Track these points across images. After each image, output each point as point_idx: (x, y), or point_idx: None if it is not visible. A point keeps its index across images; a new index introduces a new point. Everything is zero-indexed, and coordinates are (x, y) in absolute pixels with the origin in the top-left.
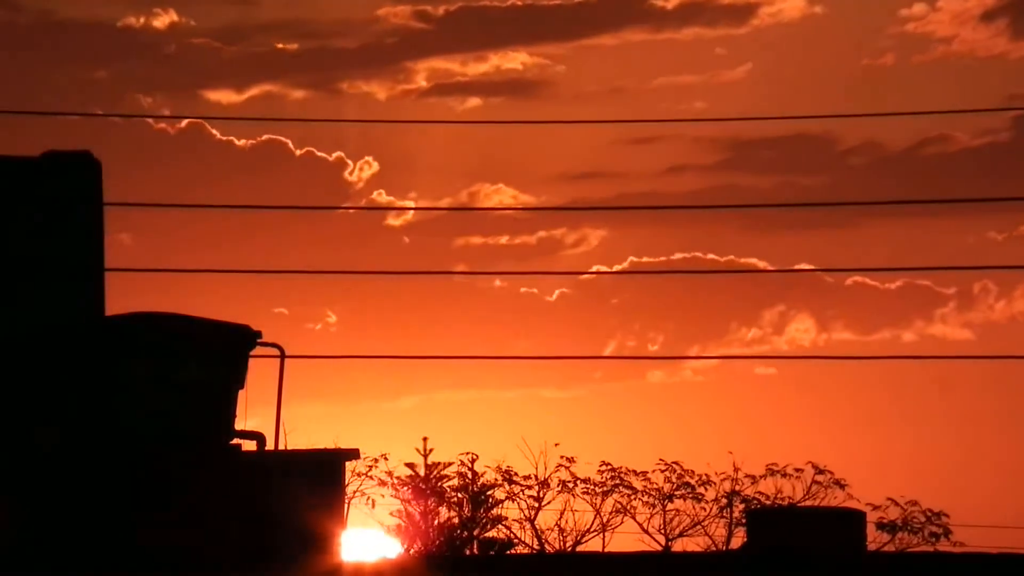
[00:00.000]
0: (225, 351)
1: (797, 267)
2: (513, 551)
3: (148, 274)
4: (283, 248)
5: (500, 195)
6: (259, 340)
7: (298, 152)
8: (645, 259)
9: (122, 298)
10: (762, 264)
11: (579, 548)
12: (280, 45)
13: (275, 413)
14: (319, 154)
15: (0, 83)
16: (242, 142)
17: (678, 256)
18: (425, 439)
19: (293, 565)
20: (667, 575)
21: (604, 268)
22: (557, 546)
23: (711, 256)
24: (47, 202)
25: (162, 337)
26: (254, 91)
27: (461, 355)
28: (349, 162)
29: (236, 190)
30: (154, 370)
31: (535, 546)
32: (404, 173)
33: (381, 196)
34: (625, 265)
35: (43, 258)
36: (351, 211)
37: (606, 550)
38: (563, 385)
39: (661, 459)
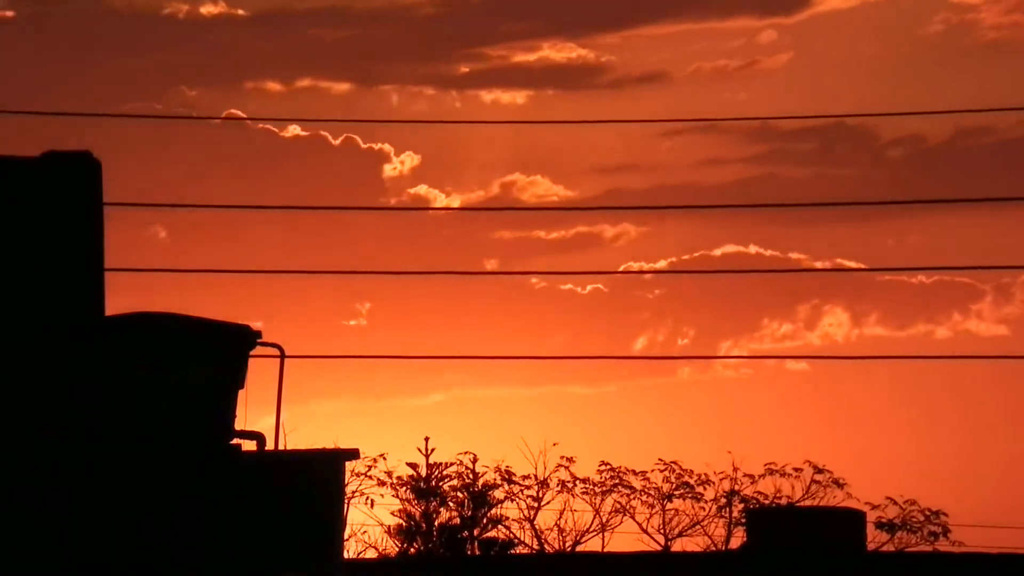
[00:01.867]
0: (225, 351)
1: (836, 263)
2: (513, 551)
3: (153, 274)
4: (318, 244)
5: (537, 187)
6: (259, 340)
7: (337, 143)
8: (684, 257)
9: (124, 298)
10: (801, 258)
11: (578, 548)
12: (320, 33)
13: (277, 413)
14: (361, 145)
15: (46, 72)
16: (288, 133)
17: (717, 252)
18: (427, 439)
19: (293, 565)
20: (666, 575)
21: (641, 262)
22: (557, 546)
23: (753, 249)
24: (47, 202)
25: (162, 337)
26: (300, 82)
27: (463, 355)
28: (391, 154)
29: (276, 183)
30: (154, 370)
31: (535, 546)
32: (442, 165)
33: (421, 189)
34: (664, 264)
35: (43, 258)
36: (377, 208)
37: (605, 550)
38: (591, 382)
39: (660, 459)
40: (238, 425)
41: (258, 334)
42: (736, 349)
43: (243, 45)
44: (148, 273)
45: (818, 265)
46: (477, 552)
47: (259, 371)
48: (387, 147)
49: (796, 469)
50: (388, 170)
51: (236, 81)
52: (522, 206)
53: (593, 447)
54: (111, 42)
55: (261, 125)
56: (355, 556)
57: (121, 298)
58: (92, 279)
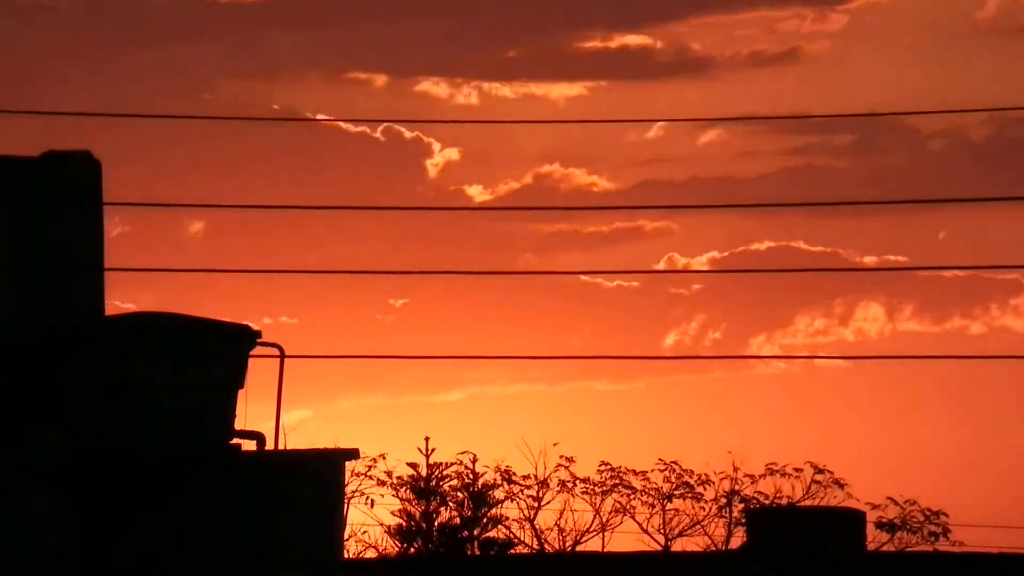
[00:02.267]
0: (225, 351)
1: (883, 260)
2: (513, 551)
3: (167, 274)
4: (348, 240)
5: (573, 179)
6: (259, 340)
7: (376, 137)
8: (723, 254)
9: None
10: (840, 252)
11: (578, 548)
12: (361, 23)
13: (277, 413)
14: (402, 138)
15: (88, 62)
16: (323, 127)
17: (754, 247)
18: (427, 439)
19: (293, 565)
20: (666, 575)
21: (675, 254)
22: (557, 546)
23: (797, 244)
24: (47, 202)
25: (162, 337)
26: (343, 75)
27: (466, 355)
28: (430, 147)
29: (312, 178)
30: (154, 370)
31: (535, 546)
32: (480, 158)
33: (457, 183)
34: (704, 260)
35: (42, 258)
36: (382, 208)
37: (606, 550)
38: (619, 378)
39: (660, 459)
40: (238, 425)
41: (258, 334)
42: (768, 346)
43: (279, 36)
44: (164, 273)
45: (862, 260)
46: (477, 552)
47: (260, 371)
48: (426, 140)
49: (796, 469)
50: (424, 164)
51: (274, 73)
52: (558, 198)
53: (613, 444)
54: (144, 34)
55: (290, 121)
56: (355, 556)
57: (126, 297)
58: (93, 279)
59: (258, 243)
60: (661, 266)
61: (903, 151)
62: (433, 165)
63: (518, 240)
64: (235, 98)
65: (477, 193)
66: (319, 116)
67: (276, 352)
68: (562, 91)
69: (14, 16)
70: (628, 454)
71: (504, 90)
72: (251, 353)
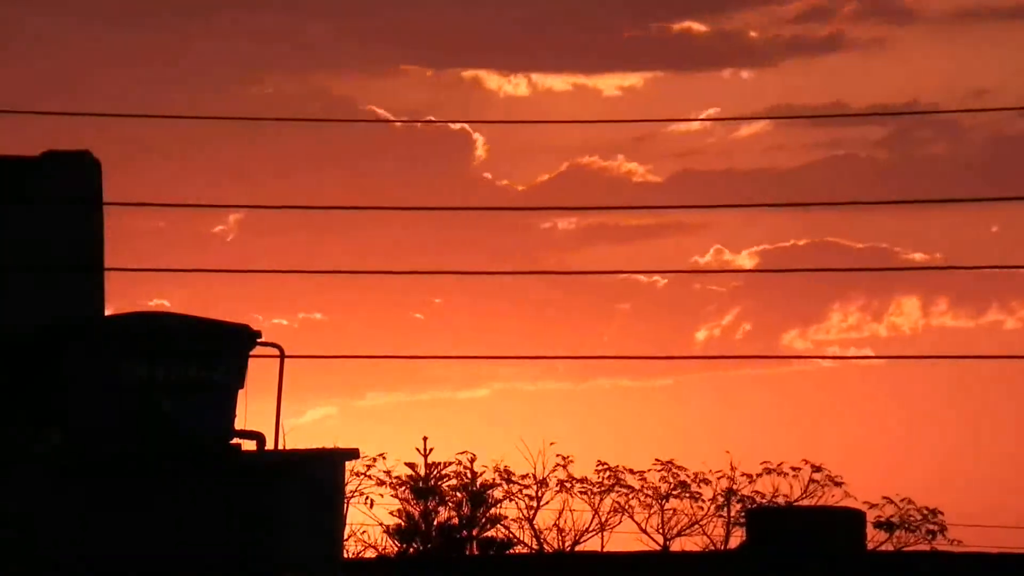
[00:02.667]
0: (225, 351)
1: (937, 257)
2: (512, 551)
3: (178, 274)
4: (378, 238)
5: (612, 170)
6: (259, 340)
7: (417, 131)
8: (763, 246)
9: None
10: (877, 247)
11: (577, 548)
12: (410, 14)
13: (277, 413)
14: (443, 132)
15: (110, 57)
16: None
17: (795, 241)
18: (425, 439)
19: (293, 566)
20: (666, 574)
21: (725, 249)
22: (556, 546)
23: (842, 240)
24: (47, 202)
25: (162, 337)
26: (393, 66)
27: (470, 355)
28: (469, 141)
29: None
30: (153, 370)
31: (534, 546)
32: (519, 149)
33: (489, 174)
34: (746, 256)
35: (42, 258)
36: (390, 208)
37: (604, 550)
38: (646, 376)
39: (657, 459)
40: (238, 425)
41: (258, 334)
42: (800, 342)
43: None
44: (169, 273)
45: (905, 255)
46: (476, 552)
47: (260, 371)
48: (470, 133)
49: (794, 468)
50: (463, 156)
51: (313, 64)
52: (595, 189)
53: (636, 442)
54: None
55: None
56: (354, 556)
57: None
58: (92, 279)
59: (290, 241)
60: (703, 260)
61: (946, 142)
62: (472, 158)
63: (553, 234)
64: (278, 89)
65: (511, 184)
66: (364, 108)
67: (276, 352)
68: (612, 82)
69: (15, 14)
70: (651, 452)
71: (554, 81)
72: (251, 353)
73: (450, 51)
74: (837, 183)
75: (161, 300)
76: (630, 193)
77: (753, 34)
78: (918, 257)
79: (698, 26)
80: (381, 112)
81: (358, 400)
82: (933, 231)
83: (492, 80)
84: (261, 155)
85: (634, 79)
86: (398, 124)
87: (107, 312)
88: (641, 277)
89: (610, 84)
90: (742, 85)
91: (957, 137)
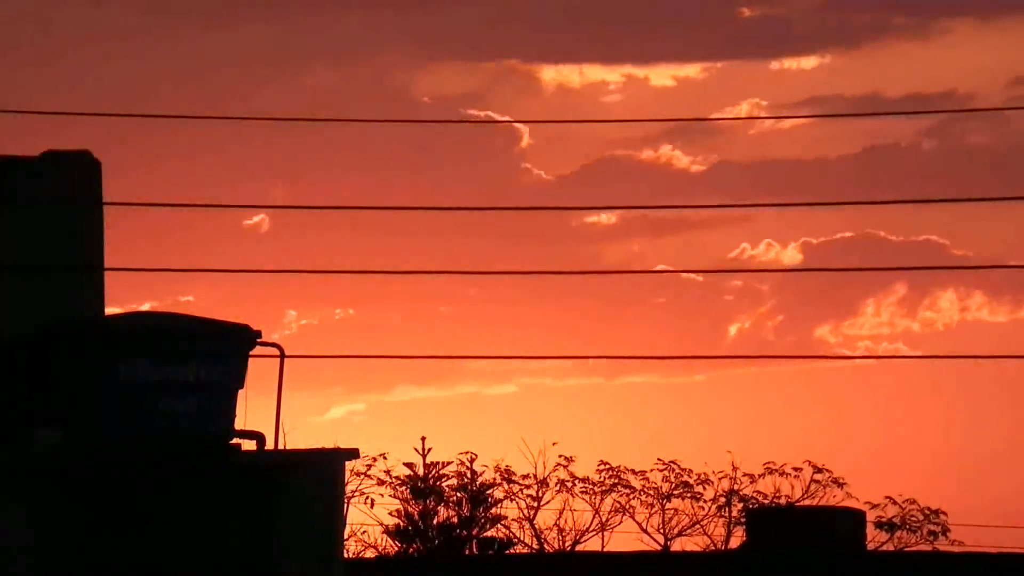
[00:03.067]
0: (225, 351)
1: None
2: (512, 550)
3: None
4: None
5: (651, 162)
6: (259, 340)
7: (467, 125)
8: (805, 240)
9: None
10: (936, 239)
11: (578, 548)
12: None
13: (277, 413)
14: (491, 124)
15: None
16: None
17: (840, 235)
18: (423, 439)
19: (293, 566)
20: (666, 574)
21: (745, 244)
22: (556, 545)
23: (884, 233)
24: (46, 202)
25: (162, 337)
26: (438, 59)
27: (475, 355)
28: (515, 134)
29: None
30: (153, 370)
31: (534, 546)
32: (558, 137)
33: (529, 165)
34: (796, 247)
35: (42, 258)
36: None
37: (605, 549)
38: (678, 372)
39: (659, 459)
40: (238, 425)
41: (258, 334)
42: (831, 336)
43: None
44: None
45: (952, 250)
46: (476, 551)
47: (262, 371)
48: (514, 127)
49: (796, 468)
50: (506, 151)
51: (355, 56)
52: (634, 180)
53: (666, 439)
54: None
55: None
56: (354, 556)
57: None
58: (93, 279)
59: (320, 239)
60: (742, 254)
61: (989, 133)
62: (515, 149)
63: (594, 226)
64: (337, 85)
65: (550, 175)
66: (412, 97)
67: (276, 352)
68: (665, 72)
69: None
70: (678, 449)
71: (603, 72)
72: (251, 353)
73: (493, 41)
74: (880, 174)
75: (187, 297)
76: (672, 185)
77: (796, 22)
78: (960, 253)
79: (748, 11)
80: (425, 100)
81: (386, 396)
82: (979, 224)
83: (538, 71)
84: (301, 151)
85: (686, 69)
86: (432, 122)
87: (107, 312)
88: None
89: (659, 74)
90: (785, 75)
91: (1000, 127)
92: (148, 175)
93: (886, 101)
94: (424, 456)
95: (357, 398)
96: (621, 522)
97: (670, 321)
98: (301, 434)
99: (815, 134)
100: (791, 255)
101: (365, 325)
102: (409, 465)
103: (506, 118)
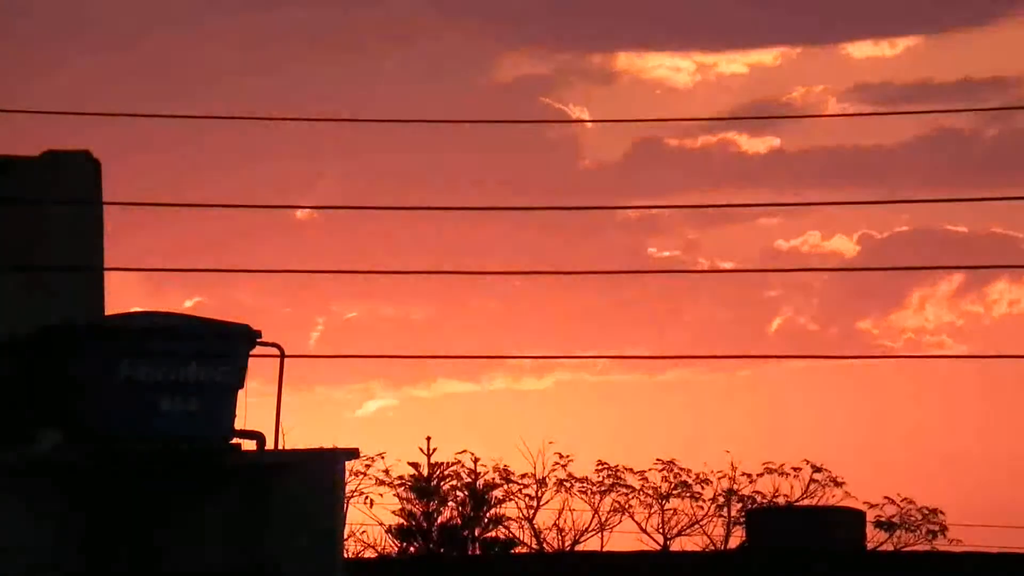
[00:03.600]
0: (225, 351)
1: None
2: (513, 550)
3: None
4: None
5: (720, 146)
6: (259, 340)
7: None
8: (861, 232)
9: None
10: (998, 230)
11: (577, 547)
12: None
13: (277, 413)
14: (562, 116)
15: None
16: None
17: (899, 229)
18: (428, 439)
19: (293, 565)
20: (666, 574)
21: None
22: (556, 545)
23: (939, 224)
24: (46, 202)
25: (162, 337)
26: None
27: (477, 354)
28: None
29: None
30: (153, 370)
31: (534, 545)
32: (616, 127)
33: (584, 158)
34: (854, 239)
35: (42, 258)
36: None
37: (604, 549)
38: (719, 367)
39: (658, 459)
40: (238, 425)
41: (258, 334)
42: (875, 332)
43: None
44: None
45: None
46: (478, 551)
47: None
48: (578, 114)
49: (795, 468)
50: (553, 141)
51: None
52: (666, 166)
53: (699, 434)
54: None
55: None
56: (354, 556)
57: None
58: (91, 279)
59: (357, 236)
60: (797, 245)
61: None
62: (572, 139)
63: (631, 217)
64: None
65: (604, 165)
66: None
67: (276, 352)
68: (737, 59)
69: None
70: (720, 443)
71: (673, 60)
72: (251, 353)
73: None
74: (939, 161)
75: (199, 298)
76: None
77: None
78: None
79: None
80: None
81: (421, 390)
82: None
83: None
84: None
85: (755, 56)
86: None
87: (107, 312)
88: (722, 263)
89: (733, 61)
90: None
91: None
92: (148, 175)
93: (973, 84)
94: (429, 456)
95: (390, 394)
96: (620, 522)
97: (714, 314)
98: (333, 430)
99: (877, 123)
100: (849, 246)
101: (403, 320)
102: (413, 464)
103: (573, 107)
